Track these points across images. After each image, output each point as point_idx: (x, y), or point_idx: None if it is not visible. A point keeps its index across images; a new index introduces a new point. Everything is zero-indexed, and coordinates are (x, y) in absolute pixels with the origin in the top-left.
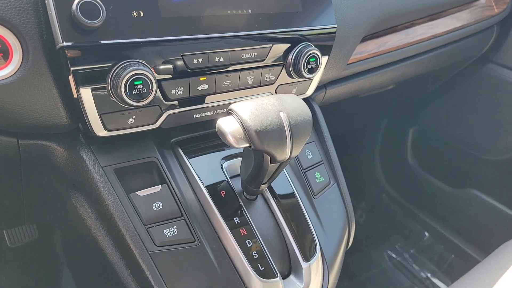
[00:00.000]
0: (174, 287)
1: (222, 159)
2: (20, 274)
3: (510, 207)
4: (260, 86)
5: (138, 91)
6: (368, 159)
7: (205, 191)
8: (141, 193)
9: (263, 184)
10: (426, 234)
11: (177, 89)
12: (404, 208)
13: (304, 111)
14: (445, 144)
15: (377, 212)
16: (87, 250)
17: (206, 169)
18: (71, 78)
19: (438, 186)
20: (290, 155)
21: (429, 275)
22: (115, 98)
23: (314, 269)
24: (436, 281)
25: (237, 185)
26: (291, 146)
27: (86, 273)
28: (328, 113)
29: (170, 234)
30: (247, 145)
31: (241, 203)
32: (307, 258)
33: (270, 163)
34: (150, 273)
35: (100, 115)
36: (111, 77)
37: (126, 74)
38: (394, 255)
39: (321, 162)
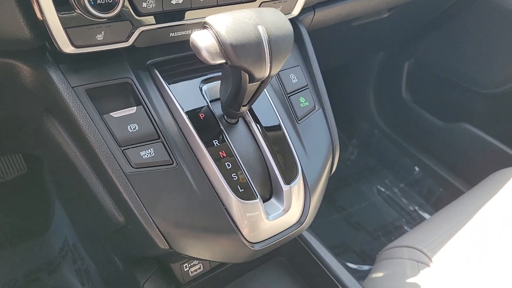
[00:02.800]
0: (152, 208)
1: (201, 82)
2: (10, 209)
3: (501, 140)
4: (241, 2)
5: (103, 0)
6: (362, 94)
7: (183, 113)
8: (115, 114)
9: (244, 106)
10: (416, 168)
11: (148, 1)
12: (395, 143)
13: (285, 25)
14: (441, 78)
15: (369, 148)
16: (70, 179)
17: (184, 91)
18: None
19: (431, 121)
20: (270, 72)
21: (416, 208)
22: (79, 10)
23: (295, 192)
24: (423, 213)
25: (217, 109)
26: (270, 63)
27: (75, 204)
28: (322, 44)
29: (147, 156)
30: (223, 61)
31: (222, 127)
32: (288, 181)
33: (249, 82)
34: (126, 194)
35: (65, 29)
36: None
37: None
38: (383, 189)
39: (306, 87)
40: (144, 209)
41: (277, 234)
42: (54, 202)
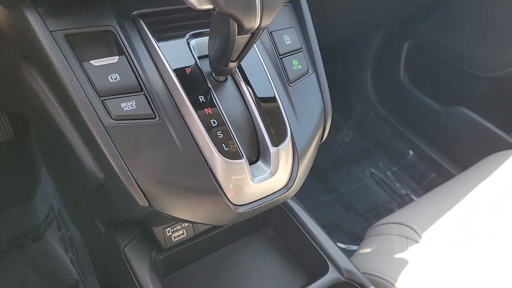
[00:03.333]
0: (131, 162)
1: (190, 36)
2: None
3: (497, 125)
4: None
5: None
6: (359, 75)
7: (168, 67)
8: (95, 62)
9: (232, 62)
10: (411, 152)
11: None
12: (391, 126)
13: None
14: (440, 60)
15: (363, 130)
16: (51, 135)
17: (171, 45)
18: None
19: (428, 104)
20: (260, 23)
21: (408, 191)
22: None
23: (283, 155)
24: (415, 197)
25: (205, 66)
26: (261, 12)
27: (58, 165)
28: (321, 16)
29: (128, 108)
30: (210, 6)
31: (209, 85)
32: (276, 144)
33: (238, 33)
34: (105, 146)
35: None
36: None
37: None
38: (376, 172)
39: (300, 50)
40: (123, 162)
41: (262, 198)
42: (41, 169)
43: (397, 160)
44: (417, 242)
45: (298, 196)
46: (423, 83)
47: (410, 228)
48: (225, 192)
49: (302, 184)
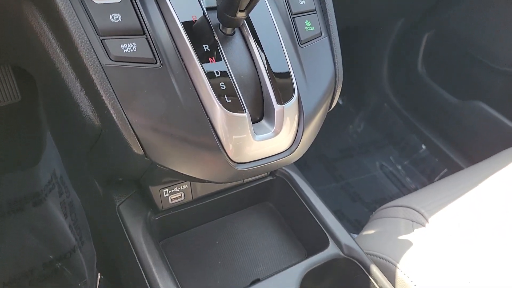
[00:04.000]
0: (128, 105)
1: None
2: (2, 137)
3: None
4: None
5: None
6: (375, 65)
7: (174, 14)
8: (97, 0)
9: (241, 11)
10: (423, 147)
11: None
12: (404, 119)
13: None
14: (461, 53)
15: (376, 122)
16: (51, 82)
17: None
18: None
19: (444, 97)
20: None
21: (418, 186)
22: None
23: (288, 114)
24: None
25: (213, 18)
26: None
27: (60, 124)
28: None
29: (128, 50)
30: None
31: (216, 38)
32: (281, 102)
33: None
34: (101, 85)
35: None
36: None
37: None
38: (386, 165)
39: (314, 11)
40: (119, 105)
41: (264, 159)
42: (46, 135)
43: (409, 154)
44: (424, 226)
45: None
46: (441, 76)
47: (418, 211)
48: (225, 147)
49: (308, 170)
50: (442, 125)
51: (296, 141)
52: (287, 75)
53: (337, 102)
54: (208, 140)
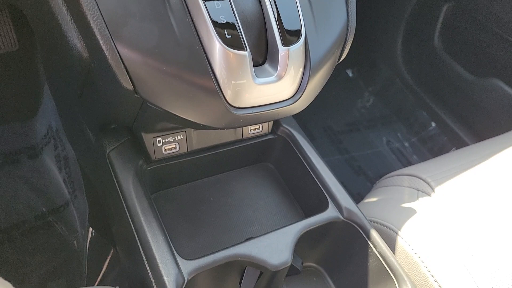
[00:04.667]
0: (116, 31)
1: None
2: (0, 85)
3: None
4: None
5: None
6: (389, 36)
7: None
8: None
9: None
10: (433, 124)
11: None
12: (415, 94)
13: None
14: (481, 27)
15: (386, 97)
16: (43, 22)
17: None
18: None
19: (460, 74)
20: None
21: None
22: None
23: (293, 58)
24: None
25: None
26: None
27: (52, 63)
28: None
29: None
30: None
31: None
32: (287, 44)
33: None
34: (87, 7)
35: None
36: None
37: None
38: (393, 141)
39: None
40: (107, 30)
41: (264, 105)
42: (44, 87)
43: (417, 131)
44: (429, 195)
45: None
46: (458, 51)
47: (424, 180)
48: (222, 87)
49: (313, 140)
50: (454, 102)
51: (300, 89)
52: (295, 16)
53: (347, 74)
54: (204, 79)
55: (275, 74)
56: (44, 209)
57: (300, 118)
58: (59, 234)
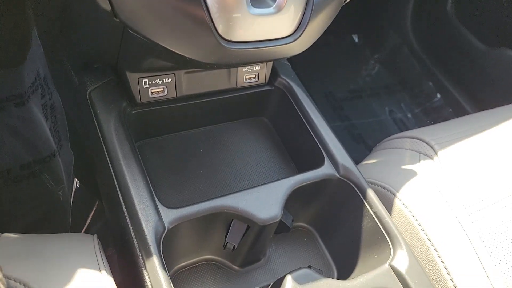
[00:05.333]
0: None
1: None
2: None
3: None
4: None
5: None
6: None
7: None
8: None
9: None
10: (438, 95)
11: None
12: (423, 64)
13: None
14: None
15: (392, 65)
16: None
17: None
18: None
19: (471, 43)
20: None
21: None
22: None
23: None
24: None
25: None
26: None
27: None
28: None
29: None
30: None
31: None
32: None
33: None
34: None
35: None
36: None
37: None
38: (395, 111)
39: None
40: None
41: (260, 41)
42: (32, 33)
43: (421, 102)
44: (431, 158)
45: None
46: (471, 18)
47: (427, 143)
48: (212, 16)
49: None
50: (462, 73)
51: (301, 26)
52: None
53: (352, 39)
54: (191, 4)
55: (274, 6)
56: (30, 158)
57: (300, 81)
58: (44, 185)
